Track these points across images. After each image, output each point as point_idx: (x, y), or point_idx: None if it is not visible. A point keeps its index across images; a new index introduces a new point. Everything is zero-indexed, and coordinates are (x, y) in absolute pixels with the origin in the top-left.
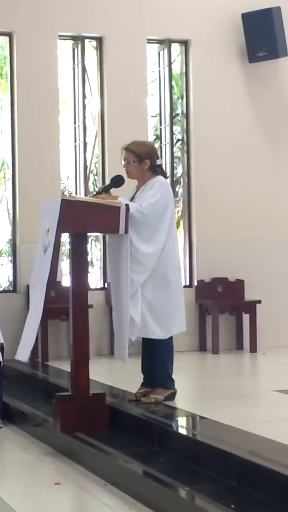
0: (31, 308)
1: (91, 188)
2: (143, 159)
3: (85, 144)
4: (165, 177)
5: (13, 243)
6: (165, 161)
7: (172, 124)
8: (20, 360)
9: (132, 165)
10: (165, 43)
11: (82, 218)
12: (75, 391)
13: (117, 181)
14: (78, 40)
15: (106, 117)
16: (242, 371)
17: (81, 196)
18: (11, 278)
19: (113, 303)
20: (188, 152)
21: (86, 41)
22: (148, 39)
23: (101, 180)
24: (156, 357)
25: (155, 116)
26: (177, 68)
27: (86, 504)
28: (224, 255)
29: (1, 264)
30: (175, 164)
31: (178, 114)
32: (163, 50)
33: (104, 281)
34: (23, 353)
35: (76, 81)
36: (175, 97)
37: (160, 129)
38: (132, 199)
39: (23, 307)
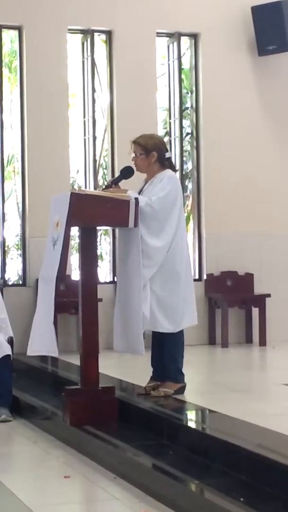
0: (39, 302)
1: (100, 182)
2: (150, 152)
3: (94, 138)
4: (174, 170)
5: (23, 237)
6: (174, 155)
7: (181, 118)
8: (52, 355)
9: (139, 157)
10: (175, 36)
11: (92, 211)
12: (85, 385)
13: (127, 172)
14: (88, 33)
15: (115, 110)
16: (251, 365)
17: (90, 189)
18: (20, 272)
19: (121, 297)
20: (197, 146)
21: (96, 34)
22: (158, 33)
23: (111, 173)
24: (166, 350)
25: (165, 110)
26: (186, 62)
27: (95, 497)
28: (233, 249)
29: (11, 258)
30: (184, 158)
31: (187, 108)
32: (173, 43)
33: (114, 275)
34: (50, 349)
35: (85, 75)
36: (184, 90)
37: (170, 123)
38: (140, 192)
39: (32, 301)
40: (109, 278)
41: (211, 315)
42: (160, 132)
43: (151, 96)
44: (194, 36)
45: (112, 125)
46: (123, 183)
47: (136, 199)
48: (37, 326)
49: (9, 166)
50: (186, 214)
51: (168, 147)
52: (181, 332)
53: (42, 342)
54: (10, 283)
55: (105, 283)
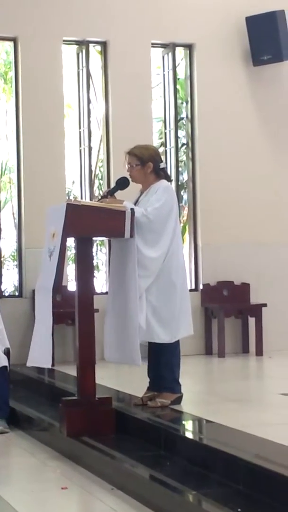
0: (37, 313)
1: (96, 193)
2: (145, 162)
3: (90, 148)
4: (169, 180)
5: (19, 248)
6: (170, 166)
7: (177, 128)
8: (42, 367)
9: (135, 168)
10: (170, 47)
11: (88, 222)
12: (81, 396)
13: (122, 183)
14: (83, 44)
15: (110, 121)
16: (248, 375)
17: (86, 200)
18: (16, 283)
19: (116, 307)
20: (193, 156)
21: (91, 45)
22: (153, 43)
23: (106, 184)
24: (162, 361)
25: (160, 120)
26: (181, 72)
27: (92, 509)
28: (229, 258)
29: (7, 269)
30: (180, 169)
31: (182, 118)
32: (168, 54)
33: None
34: (44, 360)
35: (80, 86)
36: (179, 101)
37: (165, 133)
38: (136, 203)
39: (28, 312)
40: (105, 288)
41: (208, 325)
42: (156, 142)
43: (146, 106)
44: (189, 47)
45: (108, 136)
46: (118, 194)
47: (132, 209)
48: (36, 337)
49: (4, 177)
50: (182, 225)
51: (163, 157)
52: (177, 342)
53: (40, 353)
54: (6, 294)
55: (102, 293)
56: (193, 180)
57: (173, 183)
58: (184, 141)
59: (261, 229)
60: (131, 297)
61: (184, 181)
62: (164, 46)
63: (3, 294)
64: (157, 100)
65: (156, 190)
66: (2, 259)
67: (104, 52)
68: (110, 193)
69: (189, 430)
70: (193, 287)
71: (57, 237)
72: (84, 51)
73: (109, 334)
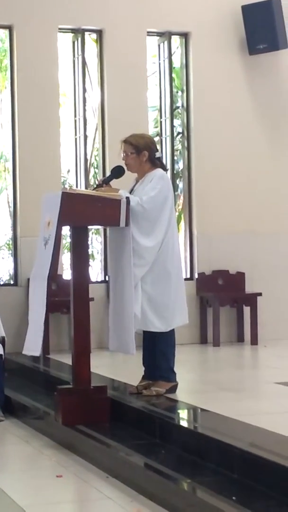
0: (31, 302)
1: (91, 181)
2: (141, 151)
3: (85, 137)
4: (165, 169)
5: (14, 236)
6: (165, 154)
7: (172, 117)
8: (32, 355)
9: (131, 156)
10: (165, 35)
11: (83, 211)
12: (77, 384)
13: (118, 172)
14: (78, 33)
15: (106, 110)
16: (243, 364)
17: (81, 189)
18: (11, 272)
19: (113, 297)
20: (188, 145)
21: (86, 34)
22: (148, 32)
23: (102, 173)
24: (157, 349)
25: (155, 109)
26: (177, 61)
27: (87, 497)
28: (224, 248)
29: (2, 258)
30: (175, 158)
31: (178, 107)
32: (163, 42)
33: (105, 274)
34: (34, 348)
35: (76, 74)
36: (175, 90)
37: (161, 122)
38: (131, 192)
39: (24, 300)
40: (100, 277)
41: (203, 314)
42: (151, 131)
43: (142, 95)
44: (185, 35)
45: (103, 124)
46: (114, 182)
47: (128, 198)
48: (31, 325)
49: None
50: (177, 214)
51: (159, 146)
52: (173, 331)
53: (31, 341)
54: (1, 282)
55: (97, 282)
56: (189, 169)
57: (169, 172)
58: (180, 130)
59: (257, 218)
60: (126, 286)
61: (179, 170)
62: (159, 34)
63: None
64: (153, 88)
65: (151, 178)
66: None
67: (99, 41)
68: (106, 181)
69: (184, 418)
70: (188, 276)
71: (52, 226)
72: (79, 39)
73: (110, 323)
